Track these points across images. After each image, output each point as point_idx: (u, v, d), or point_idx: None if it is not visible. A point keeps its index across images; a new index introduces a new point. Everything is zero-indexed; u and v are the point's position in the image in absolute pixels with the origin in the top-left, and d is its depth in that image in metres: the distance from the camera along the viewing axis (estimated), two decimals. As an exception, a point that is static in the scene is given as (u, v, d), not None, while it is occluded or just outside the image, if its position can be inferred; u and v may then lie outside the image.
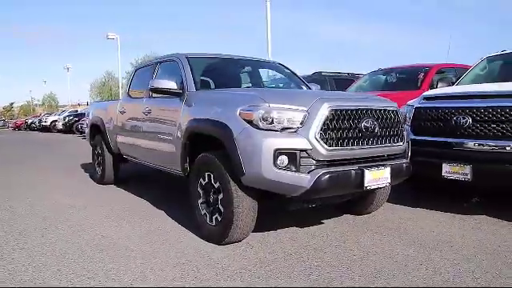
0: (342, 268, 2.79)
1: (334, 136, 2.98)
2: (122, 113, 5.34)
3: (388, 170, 3.22)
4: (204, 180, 3.41)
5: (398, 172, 3.33)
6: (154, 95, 4.53)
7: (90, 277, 2.67)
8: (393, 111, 3.39)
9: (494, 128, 3.71)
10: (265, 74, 4.95)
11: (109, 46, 60.95)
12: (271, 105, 2.96)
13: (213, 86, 4.31)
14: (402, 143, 3.46)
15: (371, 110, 3.22)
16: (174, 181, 6.00)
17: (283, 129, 2.92)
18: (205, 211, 3.43)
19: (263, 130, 2.90)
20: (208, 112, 3.44)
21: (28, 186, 6.07)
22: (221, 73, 4.59)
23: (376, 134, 3.22)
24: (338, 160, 3.02)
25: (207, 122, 3.36)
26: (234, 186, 3.05)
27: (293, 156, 2.86)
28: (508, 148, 3.63)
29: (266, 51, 16.22)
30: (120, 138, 5.43)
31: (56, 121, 27.17)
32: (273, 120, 2.91)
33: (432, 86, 6.55)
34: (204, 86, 4.02)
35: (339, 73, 10.43)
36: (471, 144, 3.84)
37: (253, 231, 3.29)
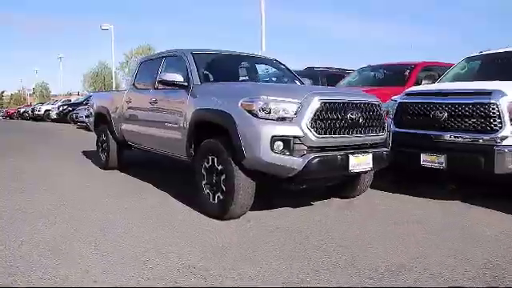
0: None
1: (323, 125, 3.43)
2: (128, 103, 5.73)
3: (370, 156, 3.70)
4: (208, 163, 3.84)
5: (379, 159, 3.81)
6: (160, 87, 4.93)
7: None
8: (375, 105, 3.86)
9: (464, 122, 4.19)
10: (261, 69, 5.37)
11: (103, 37, 60.87)
12: (269, 97, 3.40)
13: (213, 79, 4.72)
14: (383, 133, 3.93)
15: (356, 103, 3.68)
16: (173, 164, 6.44)
17: (279, 118, 3.37)
18: (208, 191, 3.87)
19: (262, 118, 3.34)
20: (212, 102, 3.86)
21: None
22: (221, 67, 5.01)
23: (360, 125, 3.68)
24: (328, 147, 3.48)
25: (212, 111, 3.79)
26: (234, 168, 3.49)
27: (287, 142, 3.32)
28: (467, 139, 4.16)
29: (260, 47, 16.61)
30: (125, 127, 5.82)
31: (50, 110, 27.26)
32: (270, 110, 3.36)
33: (417, 83, 7.03)
34: (206, 79, 4.43)
35: (330, 68, 10.87)
36: (446, 136, 4.32)
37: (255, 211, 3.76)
